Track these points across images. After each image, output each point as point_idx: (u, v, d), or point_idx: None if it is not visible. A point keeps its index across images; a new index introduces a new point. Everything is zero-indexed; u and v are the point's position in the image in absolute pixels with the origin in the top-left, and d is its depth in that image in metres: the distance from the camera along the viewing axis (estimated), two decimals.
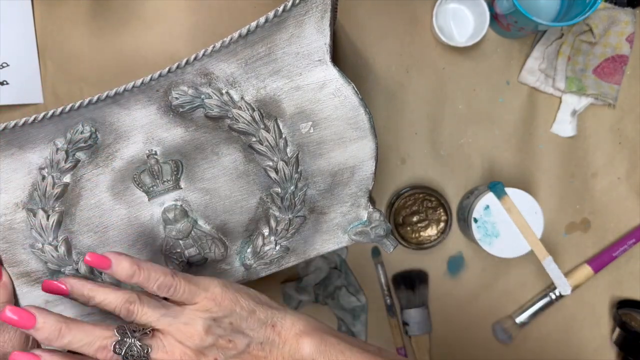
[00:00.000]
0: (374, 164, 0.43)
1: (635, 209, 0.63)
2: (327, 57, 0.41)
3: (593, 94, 0.60)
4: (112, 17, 0.62)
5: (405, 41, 0.62)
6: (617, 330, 0.61)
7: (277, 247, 0.45)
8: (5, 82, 0.60)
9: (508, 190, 0.57)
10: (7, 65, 0.60)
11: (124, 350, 0.37)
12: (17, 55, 0.61)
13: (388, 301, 0.63)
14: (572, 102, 0.61)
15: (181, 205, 0.44)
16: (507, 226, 0.57)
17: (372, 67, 0.62)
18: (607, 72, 0.61)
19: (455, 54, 0.62)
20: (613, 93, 0.61)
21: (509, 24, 0.57)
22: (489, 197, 0.57)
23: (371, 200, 0.46)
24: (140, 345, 0.37)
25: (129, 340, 0.37)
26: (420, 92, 0.62)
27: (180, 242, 0.45)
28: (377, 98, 0.62)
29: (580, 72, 0.61)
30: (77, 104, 0.41)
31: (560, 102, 0.62)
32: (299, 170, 0.43)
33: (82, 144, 0.42)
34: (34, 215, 0.43)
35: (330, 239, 0.46)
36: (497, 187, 0.57)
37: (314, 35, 0.40)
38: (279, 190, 0.43)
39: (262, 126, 0.42)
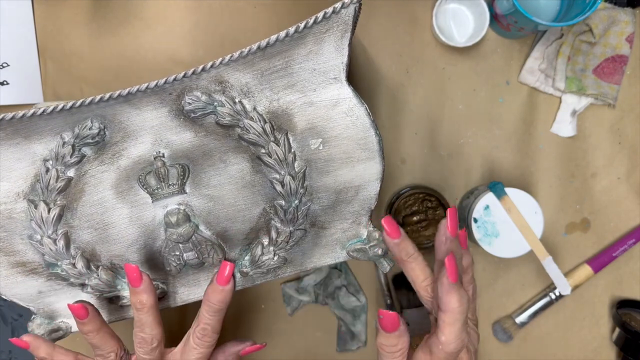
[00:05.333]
0: (379, 185, 0.44)
1: (635, 209, 0.63)
2: (343, 76, 0.41)
3: (593, 94, 0.60)
4: (112, 17, 0.62)
5: (405, 41, 0.62)
6: (617, 330, 0.61)
7: (276, 258, 0.45)
8: (5, 82, 0.60)
9: (508, 190, 0.57)
10: (7, 65, 0.61)
11: None
12: (17, 55, 0.61)
13: (388, 301, 0.63)
14: (572, 102, 0.61)
15: (184, 210, 0.44)
16: (507, 226, 0.57)
17: (372, 68, 0.62)
18: (607, 72, 0.61)
19: (455, 54, 0.62)
20: (613, 93, 0.61)
21: (509, 24, 0.57)
22: (489, 197, 0.57)
23: (371, 219, 0.46)
24: None
25: None
26: (420, 92, 0.62)
27: (180, 245, 0.45)
28: (377, 98, 0.62)
29: (580, 72, 0.61)
30: (89, 99, 0.41)
31: (560, 102, 0.62)
32: (305, 185, 0.43)
33: (90, 140, 0.42)
34: (35, 206, 0.43)
35: (328, 254, 0.46)
36: (497, 187, 0.57)
37: (332, 54, 0.40)
38: (283, 203, 0.43)
39: (272, 139, 0.42)
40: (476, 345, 0.44)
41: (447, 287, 0.39)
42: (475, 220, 0.57)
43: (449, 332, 0.39)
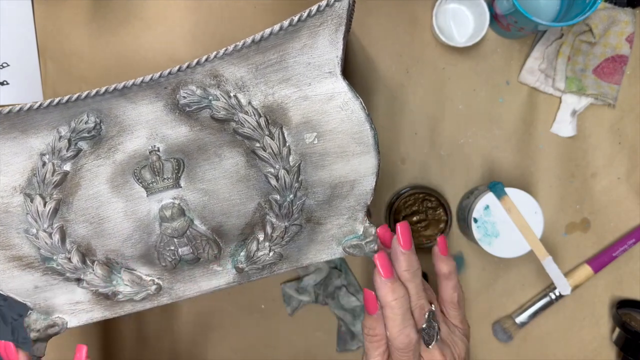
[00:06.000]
0: (375, 180, 0.43)
1: (635, 209, 0.63)
2: (338, 70, 0.41)
3: (593, 94, 0.60)
4: (112, 17, 0.62)
5: (405, 41, 0.62)
6: (617, 330, 0.61)
7: (271, 253, 0.45)
8: (5, 82, 0.61)
9: (508, 190, 0.57)
10: (7, 65, 0.61)
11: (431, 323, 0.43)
12: (17, 55, 0.61)
13: None
14: (572, 102, 0.61)
15: (179, 204, 0.44)
16: (507, 226, 0.57)
17: (372, 67, 0.62)
18: (607, 72, 0.61)
19: (455, 54, 0.62)
20: (613, 93, 0.61)
21: (509, 24, 0.57)
22: (489, 197, 0.57)
23: (368, 214, 0.46)
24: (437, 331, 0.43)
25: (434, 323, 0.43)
26: (420, 92, 0.62)
27: (175, 240, 0.45)
28: (377, 98, 0.62)
29: (580, 72, 0.61)
30: (85, 93, 0.41)
31: (560, 102, 0.62)
32: (299, 179, 0.43)
33: (86, 134, 0.42)
34: (31, 200, 0.43)
35: (324, 250, 0.46)
36: (497, 187, 0.57)
37: (327, 47, 0.40)
38: (278, 197, 0.43)
39: (267, 133, 0.42)
40: (462, 354, 0.44)
41: (378, 284, 0.41)
42: (475, 220, 0.57)
43: (391, 327, 0.41)
